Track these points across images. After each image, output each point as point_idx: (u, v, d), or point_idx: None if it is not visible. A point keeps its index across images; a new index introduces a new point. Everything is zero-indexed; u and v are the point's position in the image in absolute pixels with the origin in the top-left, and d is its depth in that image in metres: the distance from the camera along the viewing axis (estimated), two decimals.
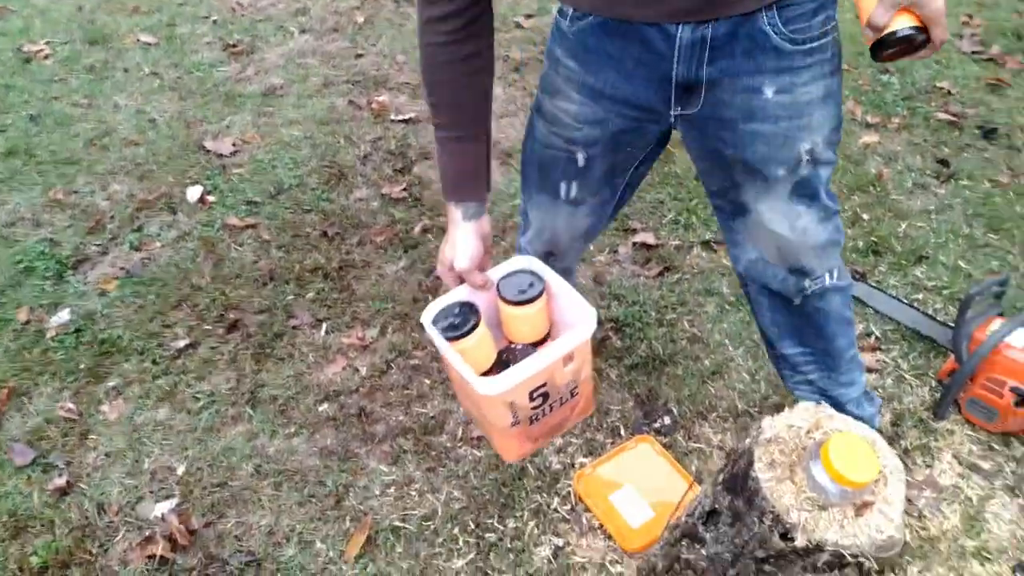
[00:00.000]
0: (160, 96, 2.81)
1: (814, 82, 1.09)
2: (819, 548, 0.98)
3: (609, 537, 1.50)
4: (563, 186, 1.36)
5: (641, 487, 1.57)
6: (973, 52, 3.07)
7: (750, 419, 1.71)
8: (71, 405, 1.77)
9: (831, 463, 0.95)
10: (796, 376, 1.43)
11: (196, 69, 2.96)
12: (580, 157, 1.27)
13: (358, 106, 2.77)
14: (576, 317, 1.27)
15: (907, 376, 1.82)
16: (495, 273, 1.32)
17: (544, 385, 1.23)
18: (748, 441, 1.12)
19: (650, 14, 1.04)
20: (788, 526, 0.99)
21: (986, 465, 1.61)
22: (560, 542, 1.49)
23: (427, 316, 1.26)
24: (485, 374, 1.27)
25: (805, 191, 1.17)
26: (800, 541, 0.99)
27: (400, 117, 2.71)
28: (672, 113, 1.15)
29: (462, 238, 1.22)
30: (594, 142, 1.24)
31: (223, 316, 1.98)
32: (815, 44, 1.07)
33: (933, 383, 1.80)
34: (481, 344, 1.26)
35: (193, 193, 2.34)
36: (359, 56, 3.06)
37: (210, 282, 2.07)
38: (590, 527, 1.52)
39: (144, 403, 1.77)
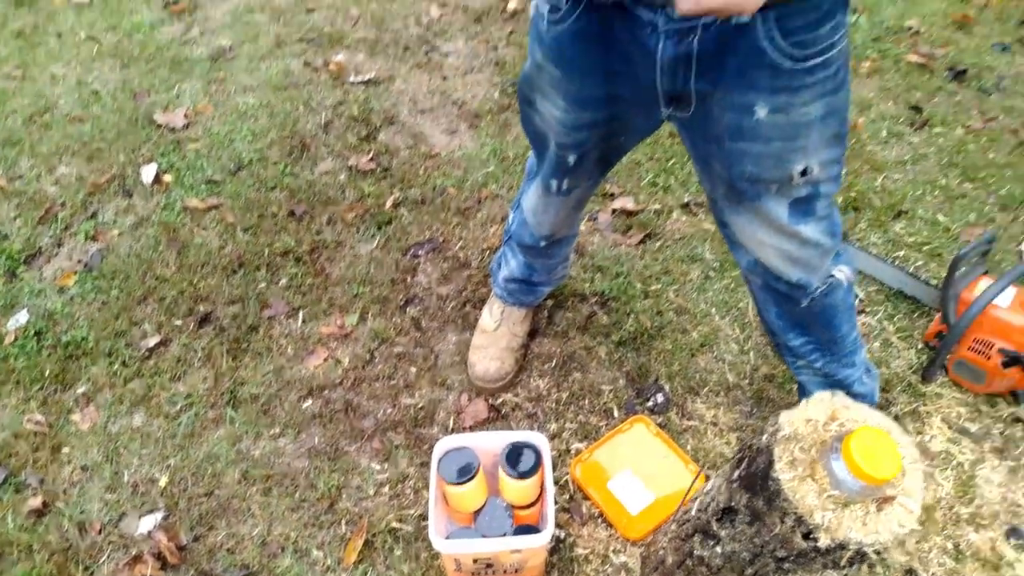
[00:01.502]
0: (100, 64, 2.62)
1: (815, 101, 0.98)
2: (842, 547, 0.98)
3: (610, 526, 1.49)
4: (554, 182, 1.30)
5: (639, 471, 1.56)
6: None
7: (742, 393, 1.71)
8: (39, 416, 1.68)
9: (854, 460, 0.93)
10: (799, 362, 1.41)
11: (136, 31, 2.77)
12: (571, 158, 1.22)
13: (314, 68, 2.62)
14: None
15: (893, 339, 1.82)
16: (500, 439, 1.38)
17: (490, 558, 1.32)
18: (765, 438, 1.10)
19: None
20: (811, 527, 0.98)
21: (974, 428, 1.64)
22: (561, 534, 1.48)
23: (439, 450, 1.35)
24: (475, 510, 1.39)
25: (801, 208, 1.09)
26: (823, 541, 0.98)
27: (360, 78, 2.58)
28: (663, 112, 1.08)
29: None
30: (583, 142, 1.18)
31: (193, 309, 1.89)
32: (819, 60, 0.94)
33: (919, 345, 1.81)
34: (474, 490, 1.35)
35: (148, 173, 2.21)
36: (310, 11, 2.89)
37: (176, 272, 1.97)
38: (590, 516, 1.52)
39: (117, 409, 1.70)
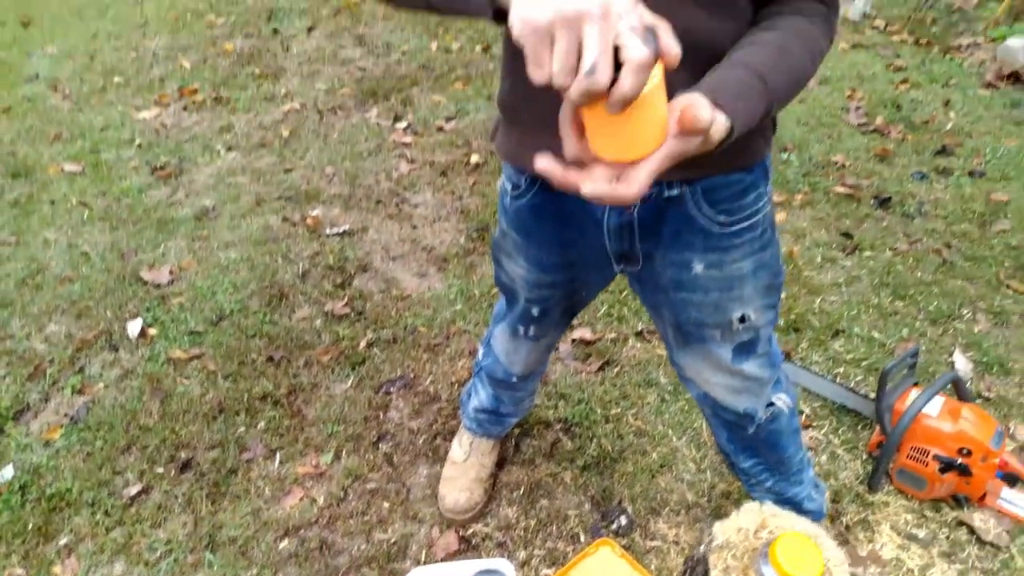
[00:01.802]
0: (91, 227, 2.81)
1: (745, 258, 1.11)
2: None
3: None
4: (520, 328, 1.45)
5: None
6: (860, 124, 3.34)
7: (701, 511, 1.80)
8: (20, 571, 1.72)
9: (779, 564, 1.03)
10: (752, 481, 1.51)
11: (125, 196, 2.97)
12: (535, 311, 1.37)
13: (292, 223, 2.82)
14: None
15: (839, 451, 1.94)
16: (469, 567, 1.38)
17: None
18: (702, 548, 1.20)
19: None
20: None
21: (922, 534, 1.73)
22: None
23: None
24: None
25: (743, 349, 1.22)
26: None
27: (335, 230, 2.78)
28: (616, 268, 1.23)
29: None
30: (547, 299, 1.33)
31: (174, 456, 1.97)
32: (745, 224, 1.08)
33: (864, 456, 1.92)
34: None
35: (133, 327, 2.34)
36: (288, 171, 3.13)
37: (158, 421, 2.06)
38: None
39: (98, 559, 1.74)
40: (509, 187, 1.21)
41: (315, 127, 3.42)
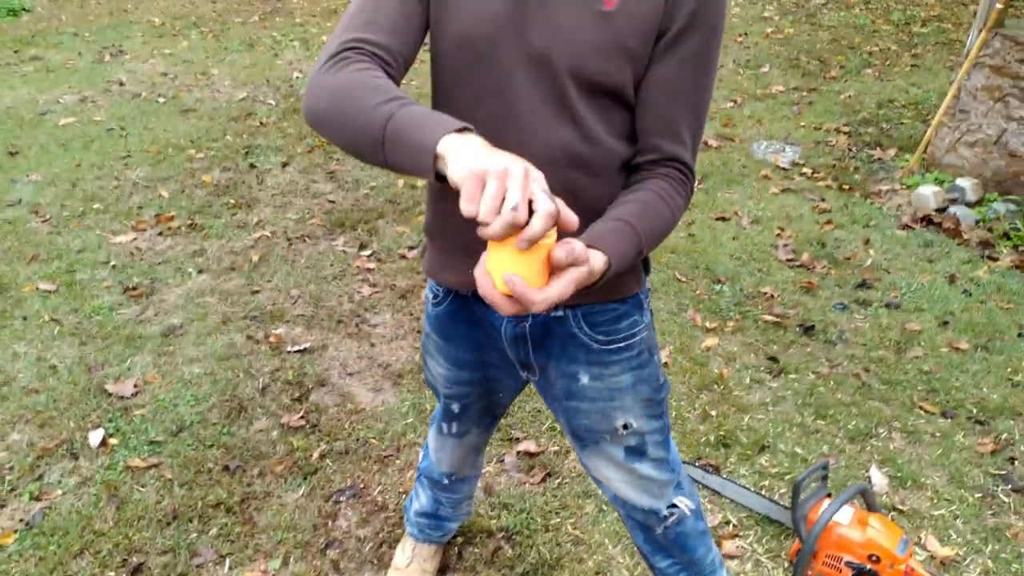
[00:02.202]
0: (60, 342, 2.93)
1: (624, 373, 1.30)
2: None
3: None
4: (444, 425, 1.61)
5: None
6: (788, 260, 3.64)
7: None
8: None
9: None
10: None
11: (96, 313, 3.12)
12: (455, 407, 1.54)
13: (256, 340, 2.97)
14: None
15: (763, 560, 2.06)
16: None
17: None
18: None
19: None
20: None
21: None
22: None
23: None
24: None
25: (633, 452, 1.37)
26: None
27: (296, 348, 2.93)
28: (522, 375, 1.42)
29: (505, 154, 0.87)
30: (465, 396, 1.51)
31: (126, 561, 2.03)
32: (622, 345, 1.27)
33: (786, 564, 2.05)
34: None
35: (95, 437, 2.43)
36: (255, 292, 3.31)
37: (113, 526, 2.13)
38: None
39: None
40: (431, 296, 1.42)
41: (284, 253, 3.64)
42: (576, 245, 0.89)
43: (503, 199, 0.80)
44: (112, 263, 3.49)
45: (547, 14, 1.05)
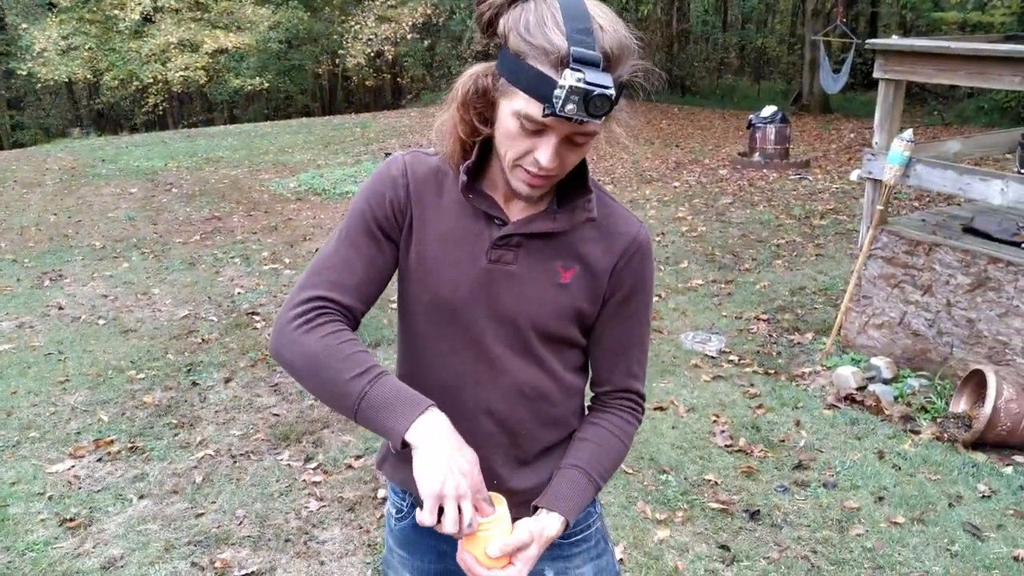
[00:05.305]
0: None
1: (585, 564, 1.42)
2: None
3: None
4: None
5: None
6: (726, 445, 3.78)
7: None
8: None
9: None
10: None
11: (30, 549, 2.98)
12: None
13: (201, 567, 2.88)
14: None
15: None
16: None
17: None
18: None
19: None
20: None
21: None
22: None
23: None
24: None
25: None
26: None
27: (243, 572, 2.84)
28: None
29: (461, 446, 1.15)
30: None
31: None
32: (579, 537, 1.41)
33: None
34: None
35: None
36: (199, 515, 3.23)
37: None
38: None
39: None
40: (394, 511, 1.49)
41: (228, 472, 3.60)
42: (512, 542, 1.17)
43: (457, 518, 1.09)
44: (48, 494, 3.39)
45: (515, 284, 1.28)
